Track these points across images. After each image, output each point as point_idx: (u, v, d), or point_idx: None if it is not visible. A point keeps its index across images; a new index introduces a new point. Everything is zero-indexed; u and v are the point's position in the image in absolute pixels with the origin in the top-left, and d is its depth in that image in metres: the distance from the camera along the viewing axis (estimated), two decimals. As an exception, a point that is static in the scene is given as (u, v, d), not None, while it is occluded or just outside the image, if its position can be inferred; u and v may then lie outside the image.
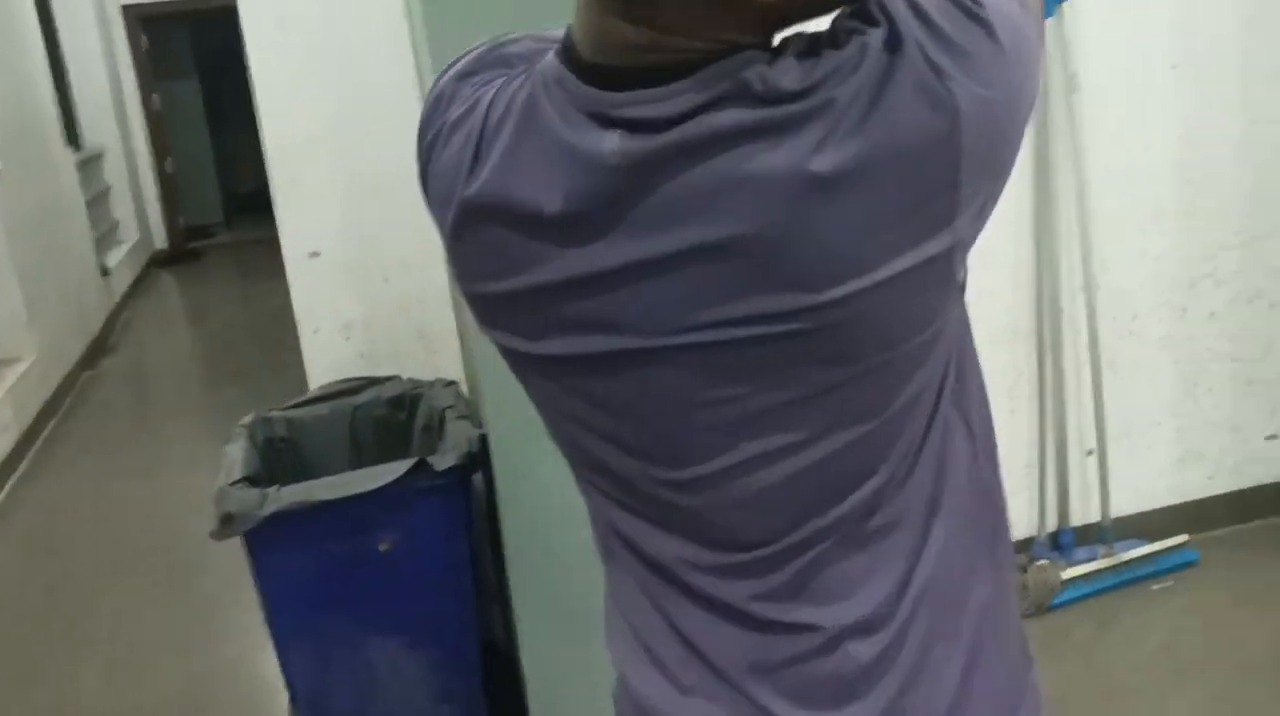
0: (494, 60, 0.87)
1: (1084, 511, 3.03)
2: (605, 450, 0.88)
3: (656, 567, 0.92)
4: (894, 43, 0.72)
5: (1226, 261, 2.98)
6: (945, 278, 0.79)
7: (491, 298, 0.86)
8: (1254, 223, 2.97)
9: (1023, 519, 3.00)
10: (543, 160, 0.79)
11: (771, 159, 0.72)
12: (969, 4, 0.74)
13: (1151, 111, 2.83)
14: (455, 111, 0.84)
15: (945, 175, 0.74)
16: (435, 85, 0.88)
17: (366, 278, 2.58)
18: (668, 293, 0.78)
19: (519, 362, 0.90)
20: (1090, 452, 3.01)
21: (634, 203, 0.77)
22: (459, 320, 2.48)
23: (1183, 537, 2.98)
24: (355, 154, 2.60)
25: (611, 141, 0.76)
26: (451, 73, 0.88)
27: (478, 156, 0.82)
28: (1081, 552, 2.96)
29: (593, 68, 0.78)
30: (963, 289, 0.84)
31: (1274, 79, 2.90)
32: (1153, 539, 2.98)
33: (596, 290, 0.80)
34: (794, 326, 0.76)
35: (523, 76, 0.82)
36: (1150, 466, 3.07)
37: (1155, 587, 2.92)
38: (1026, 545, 2.99)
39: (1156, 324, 2.99)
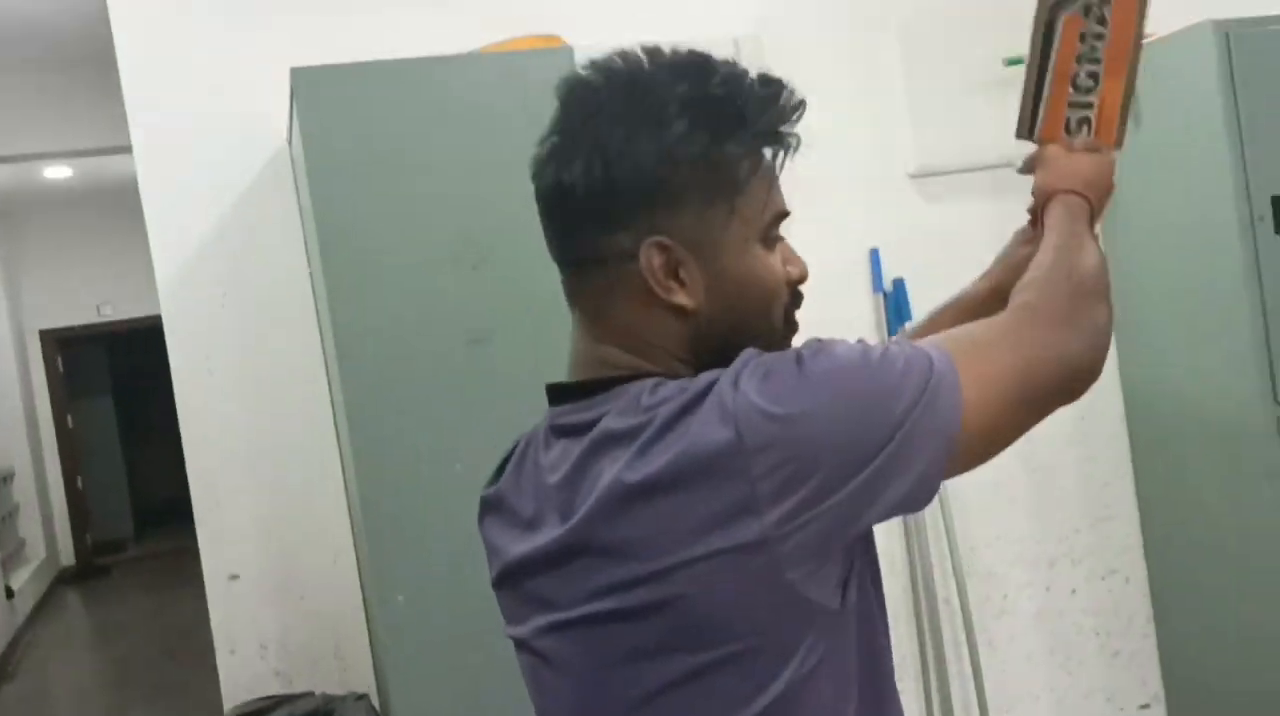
0: None
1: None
2: None
3: None
4: (723, 370, 0.93)
5: (1079, 542, 3.28)
6: (770, 577, 0.90)
7: None
8: (1096, 507, 3.30)
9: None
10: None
11: (612, 464, 0.93)
12: (802, 349, 0.94)
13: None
14: None
15: (738, 474, 0.88)
16: None
17: (284, 596, 2.71)
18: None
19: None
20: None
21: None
22: (372, 634, 2.61)
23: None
24: (275, 476, 2.78)
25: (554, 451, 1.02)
26: None
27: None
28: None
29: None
30: (816, 615, 0.93)
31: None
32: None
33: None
34: (631, 601, 0.91)
35: None
36: (1037, 739, 3.24)
37: None
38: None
39: (1027, 602, 3.24)
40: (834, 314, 3.12)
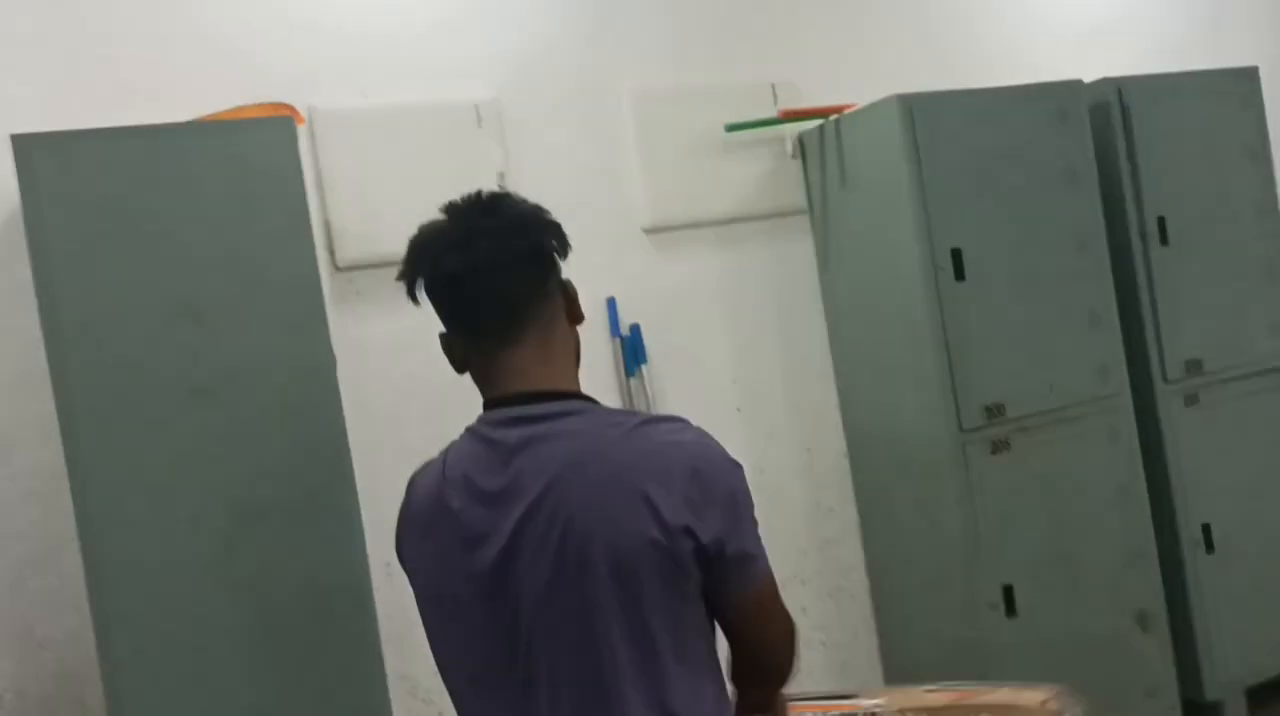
0: None
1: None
2: None
3: None
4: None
5: (807, 564, 3.58)
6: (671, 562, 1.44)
7: None
8: (823, 531, 3.62)
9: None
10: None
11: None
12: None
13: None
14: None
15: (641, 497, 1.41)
16: None
17: (24, 645, 2.70)
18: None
19: None
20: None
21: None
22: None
23: (805, 810, 3.38)
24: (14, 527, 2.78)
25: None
26: None
27: None
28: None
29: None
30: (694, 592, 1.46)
31: (819, 416, 3.63)
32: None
33: None
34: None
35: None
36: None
37: None
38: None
39: (760, 621, 3.51)
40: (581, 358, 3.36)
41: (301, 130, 2.88)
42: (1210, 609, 3.58)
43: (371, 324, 3.07)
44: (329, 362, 2.36)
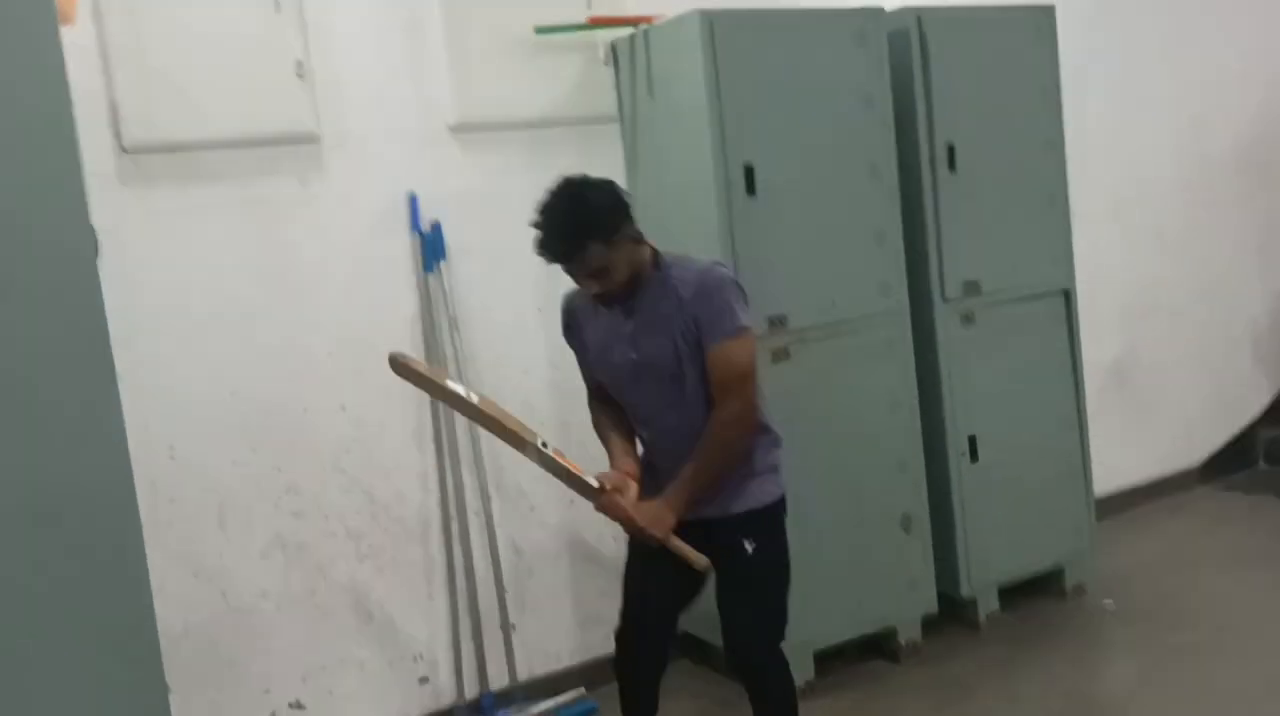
0: None
1: (500, 677, 3.57)
2: None
3: None
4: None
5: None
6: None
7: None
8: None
9: (447, 688, 3.49)
10: None
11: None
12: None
13: (518, 346, 3.58)
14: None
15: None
16: None
17: None
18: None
19: None
20: (514, 627, 3.58)
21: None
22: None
23: (580, 691, 3.58)
24: None
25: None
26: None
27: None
28: (499, 714, 3.48)
29: None
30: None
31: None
32: (558, 695, 3.56)
33: None
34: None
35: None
36: (557, 632, 3.69)
37: (560, 735, 3.48)
38: (450, 713, 3.47)
39: (552, 513, 3.66)
40: (376, 252, 3.40)
41: (86, 3, 2.82)
42: (970, 513, 3.86)
43: (159, 206, 3.05)
44: (88, 241, 2.34)
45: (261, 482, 3.23)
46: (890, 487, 3.69)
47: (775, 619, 2.72)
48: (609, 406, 2.80)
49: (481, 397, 2.65)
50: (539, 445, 2.60)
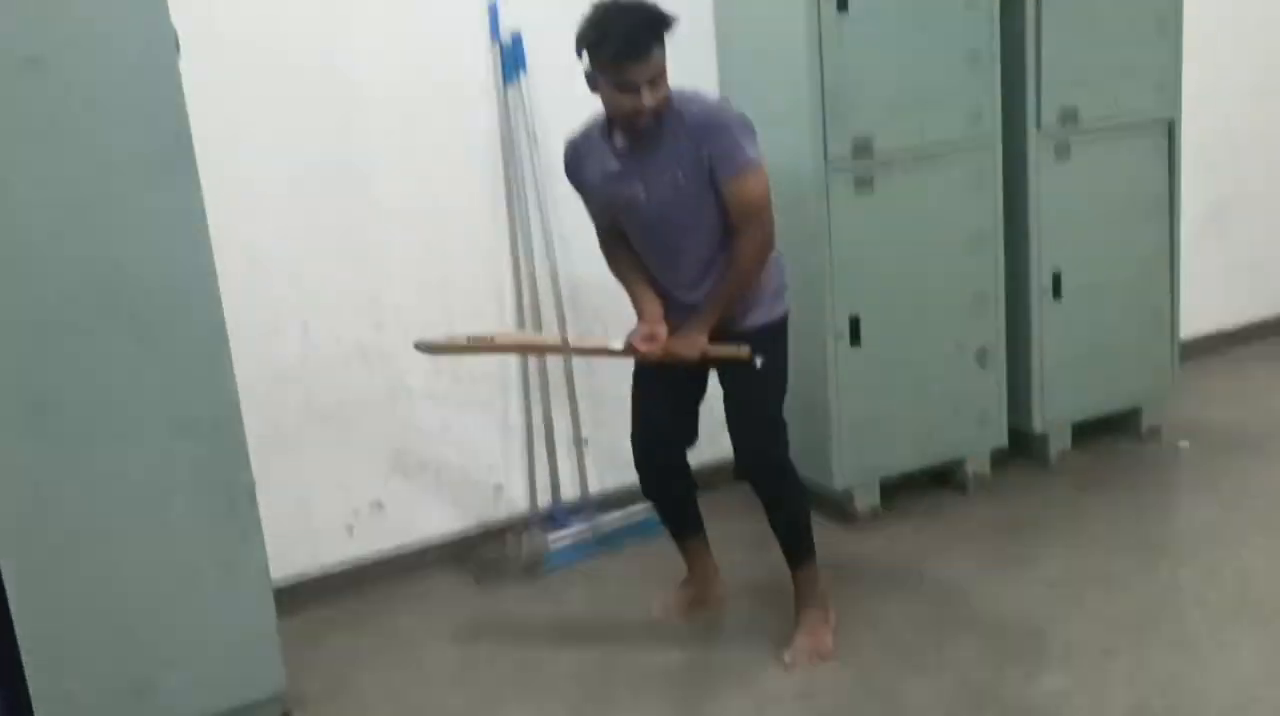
0: None
1: (572, 489, 3.67)
2: None
3: None
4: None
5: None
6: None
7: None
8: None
9: (520, 497, 3.60)
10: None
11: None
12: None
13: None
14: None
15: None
16: None
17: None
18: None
19: None
20: (586, 441, 3.66)
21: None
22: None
23: (650, 505, 3.65)
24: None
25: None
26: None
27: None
28: (571, 524, 3.59)
29: None
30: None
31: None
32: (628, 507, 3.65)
33: None
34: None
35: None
36: (629, 447, 3.74)
37: (629, 548, 3.58)
38: (523, 521, 3.59)
39: (624, 330, 3.65)
40: (455, 62, 3.35)
41: None
42: (1048, 350, 3.81)
43: (240, 8, 3.01)
44: (168, 39, 2.34)
45: (344, 291, 3.28)
46: (968, 320, 3.64)
47: (782, 428, 2.84)
48: (623, 246, 2.83)
49: (499, 332, 2.87)
50: (563, 342, 2.83)
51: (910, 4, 3.32)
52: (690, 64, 3.55)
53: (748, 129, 2.64)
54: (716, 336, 2.75)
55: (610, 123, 2.68)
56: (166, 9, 2.32)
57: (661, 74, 2.54)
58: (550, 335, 2.79)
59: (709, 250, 2.71)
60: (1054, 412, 3.89)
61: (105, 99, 2.28)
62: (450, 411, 3.49)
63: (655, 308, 2.79)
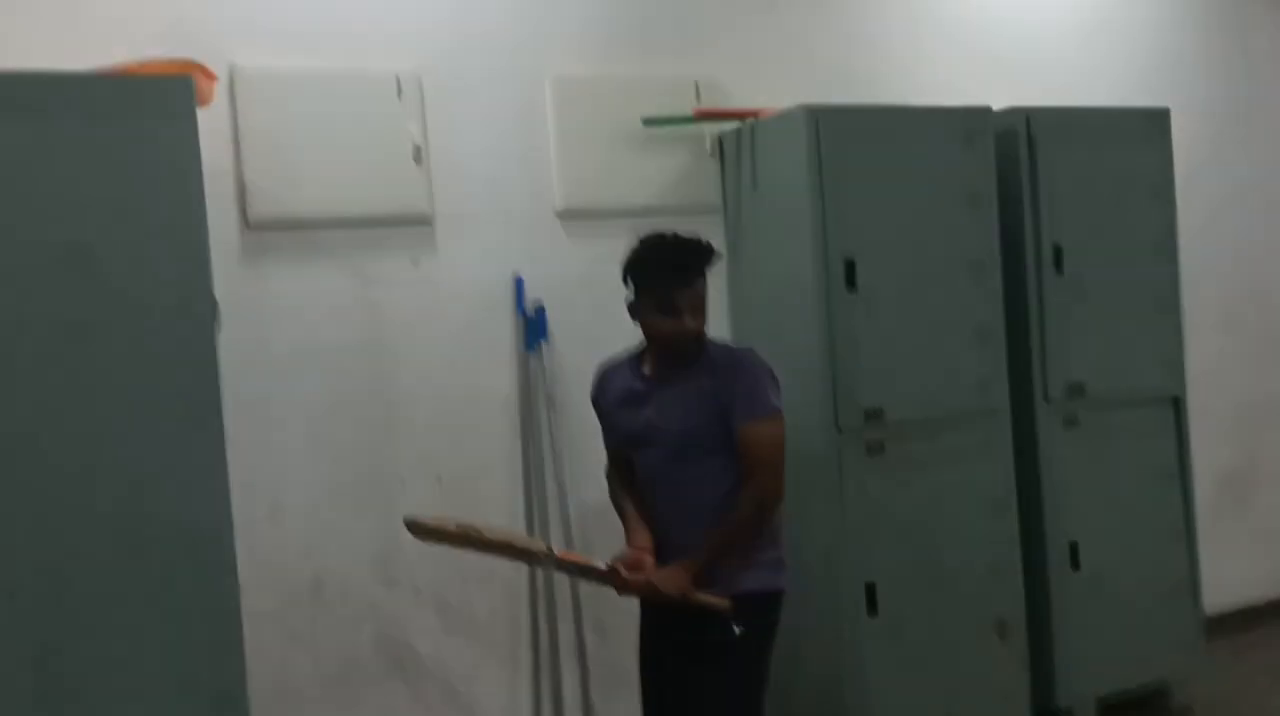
0: None
1: (581, 761, 3.54)
2: None
3: None
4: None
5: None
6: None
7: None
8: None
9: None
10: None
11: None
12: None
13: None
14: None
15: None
16: None
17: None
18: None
19: None
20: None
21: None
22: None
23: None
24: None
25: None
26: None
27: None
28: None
29: None
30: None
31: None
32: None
33: None
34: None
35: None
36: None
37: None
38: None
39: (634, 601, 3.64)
40: (481, 331, 3.50)
41: (222, 87, 3.00)
42: (1070, 623, 3.74)
43: (279, 281, 3.19)
44: (208, 310, 2.47)
45: (357, 550, 3.31)
46: (985, 591, 3.60)
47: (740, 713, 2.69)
48: (626, 475, 2.84)
49: (485, 526, 2.75)
50: (547, 551, 2.78)
51: (916, 283, 3.48)
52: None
53: (772, 379, 2.72)
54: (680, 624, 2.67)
55: (643, 354, 2.79)
56: (210, 281, 2.47)
57: (702, 304, 2.67)
58: (536, 541, 2.76)
59: (713, 496, 2.67)
60: (1078, 687, 3.77)
61: (143, 362, 2.39)
62: (458, 680, 3.42)
63: (645, 537, 2.75)
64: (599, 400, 2.89)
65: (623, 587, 2.70)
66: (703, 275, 2.68)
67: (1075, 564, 3.75)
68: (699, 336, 2.69)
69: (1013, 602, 3.64)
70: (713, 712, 2.67)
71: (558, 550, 2.75)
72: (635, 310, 2.72)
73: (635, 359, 2.82)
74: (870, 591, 3.41)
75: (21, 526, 2.30)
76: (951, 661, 3.54)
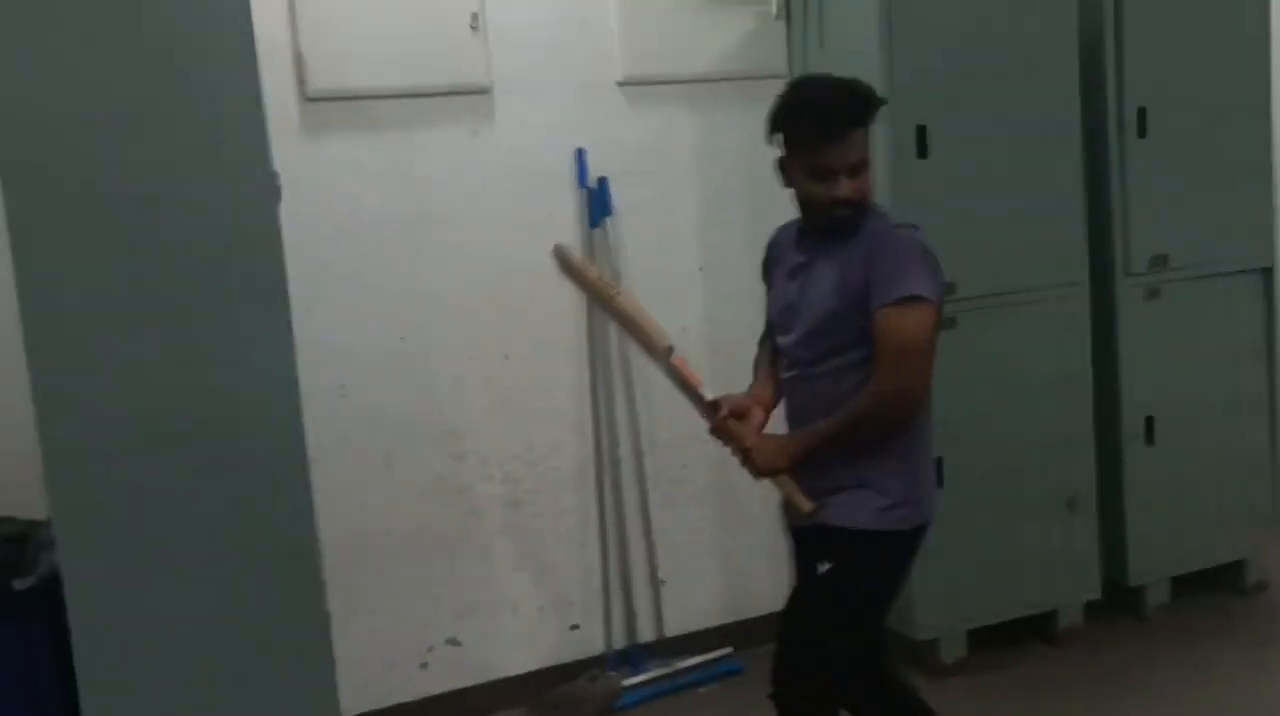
0: None
1: (648, 630, 3.61)
2: None
3: None
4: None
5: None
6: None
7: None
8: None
9: (596, 637, 3.55)
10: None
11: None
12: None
13: (678, 303, 3.57)
14: None
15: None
16: None
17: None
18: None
19: None
20: (664, 582, 3.61)
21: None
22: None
23: (728, 650, 3.59)
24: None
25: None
26: None
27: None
28: (645, 666, 3.51)
29: None
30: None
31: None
32: (705, 652, 3.57)
33: None
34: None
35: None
36: (706, 590, 3.70)
37: (702, 691, 3.49)
38: (599, 661, 3.52)
39: (703, 471, 3.65)
40: (541, 205, 3.45)
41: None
42: (1142, 498, 3.67)
43: (338, 152, 3.16)
44: (272, 191, 2.45)
45: (427, 425, 3.34)
46: (1057, 466, 3.54)
47: (843, 674, 2.42)
48: (772, 347, 2.57)
49: (624, 293, 2.54)
50: (667, 349, 2.44)
51: (992, 150, 3.35)
52: (767, 193, 3.63)
53: (927, 262, 2.30)
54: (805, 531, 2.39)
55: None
56: (269, 156, 2.44)
57: (863, 162, 2.26)
58: (662, 334, 2.44)
59: (838, 390, 2.31)
60: (1151, 563, 3.73)
61: (209, 236, 2.37)
62: (527, 547, 3.48)
63: (767, 394, 2.50)
64: (764, 268, 2.56)
65: (717, 430, 2.40)
66: (863, 128, 2.24)
67: (1150, 439, 3.66)
68: (859, 204, 2.27)
69: (1085, 478, 3.58)
70: (807, 657, 2.47)
71: (677, 355, 2.44)
72: (784, 171, 2.34)
73: (802, 225, 2.42)
74: (938, 464, 3.36)
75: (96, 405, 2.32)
76: (1023, 534, 3.51)
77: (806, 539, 2.42)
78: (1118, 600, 3.74)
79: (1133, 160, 3.53)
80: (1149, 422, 3.65)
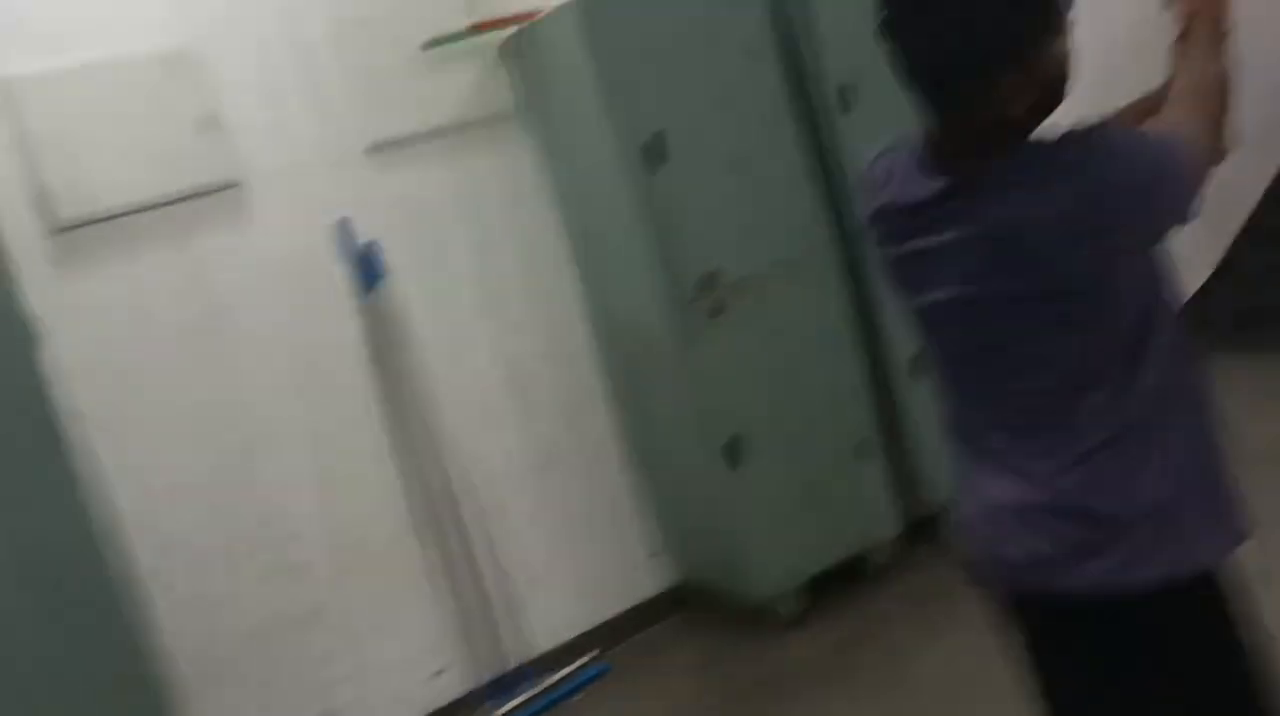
0: None
1: (519, 654, 3.72)
2: None
3: None
4: None
5: (562, 443, 3.92)
6: None
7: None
8: (574, 412, 3.94)
9: (468, 677, 3.67)
10: None
11: None
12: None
13: (470, 348, 3.75)
14: None
15: None
16: None
17: None
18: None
19: None
20: (522, 606, 3.74)
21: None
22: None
23: (594, 653, 3.76)
24: None
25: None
26: None
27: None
28: (517, 690, 3.63)
29: None
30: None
31: (564, 304, 3.93)
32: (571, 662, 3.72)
33: None
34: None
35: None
36: (564, 602, 3.87)
37: (576, 700, 3.65)
38: (476, 696, 3.64)
39: (525, 499, 3.83)
40: (316, 283, 3.53)
41: (3, 100, 2.96)
42: (925, 431, 3.96)
43: (100, 279, 3.19)
44: (28, 338, 2.44)
45: (255, 515, 3.40)
46: (844, 418, 3.84)
47: None
48: None
49: None
50: None
51: (722, 143, 3.61)
52: (534, 223, 3.85)
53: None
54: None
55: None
56: (19, 299, 2.43)
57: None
58: None
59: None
60: (945, 493, 4.05)
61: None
62: (379, 607, 3.58)
63: None
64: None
65: None
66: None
67: (912, 373, 3.97)
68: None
69: (868, 423, 3.89)
70: None
71: None
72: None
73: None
74: (733, 444, 3.62)
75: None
76: (823, 494, 3.79)
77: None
78: (921, 530, 4.02)
79: (843, 133, 3.85)
80: (912, 362, 3.98)
